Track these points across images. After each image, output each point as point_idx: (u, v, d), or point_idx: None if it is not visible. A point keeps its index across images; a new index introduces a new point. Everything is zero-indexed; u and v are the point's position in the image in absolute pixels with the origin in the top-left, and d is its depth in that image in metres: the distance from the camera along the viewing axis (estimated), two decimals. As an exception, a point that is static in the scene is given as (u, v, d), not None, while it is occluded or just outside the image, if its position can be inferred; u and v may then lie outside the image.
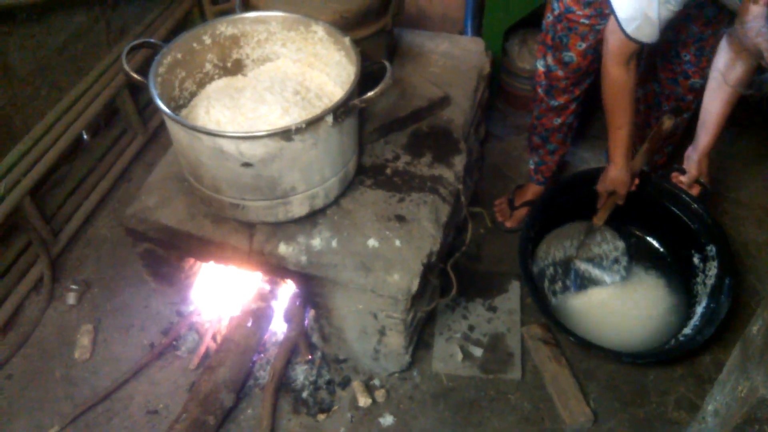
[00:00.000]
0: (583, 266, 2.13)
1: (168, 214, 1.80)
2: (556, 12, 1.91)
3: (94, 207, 2.40)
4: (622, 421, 1.85)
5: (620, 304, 2.08)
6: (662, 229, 2.19)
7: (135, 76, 1.61)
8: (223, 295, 2.06)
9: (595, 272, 2.13)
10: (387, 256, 1.68)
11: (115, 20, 2.46)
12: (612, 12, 1.61)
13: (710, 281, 1.98)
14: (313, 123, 1.49)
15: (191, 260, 2.02)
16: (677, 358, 1.96)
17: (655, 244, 2.24)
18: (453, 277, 1.79)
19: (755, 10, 1.30)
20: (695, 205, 2.03)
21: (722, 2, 1.58)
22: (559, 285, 2.12)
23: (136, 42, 1.67)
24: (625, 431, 1.84)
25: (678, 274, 2.13)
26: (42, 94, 2.17)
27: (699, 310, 1.96)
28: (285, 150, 1.50)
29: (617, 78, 1.72)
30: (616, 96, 1.76)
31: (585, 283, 2.12)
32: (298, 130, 1.47)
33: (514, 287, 2.14)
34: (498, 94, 2.88)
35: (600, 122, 2.74)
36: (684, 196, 2.03)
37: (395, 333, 1.77)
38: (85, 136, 2.49)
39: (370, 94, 1.55)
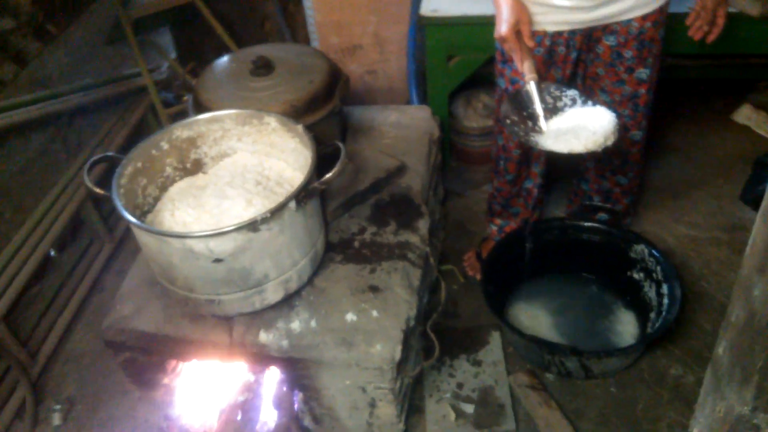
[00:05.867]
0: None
1: (145, 321, 1.80)
2: (502, 87, 2.06)
3: (69, 322, 2.39)
4: (620, 455, 1.88)
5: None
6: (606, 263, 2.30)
7: (98, 191, 1.65)
8: (209, 392, 2.04)
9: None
10: (366, 328, 1.71)
11: (71, 136, 2.51)
12: None
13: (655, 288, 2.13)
14: (277, 211, 1.54)
15: (173, 361, 2.01)
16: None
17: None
18: (434, 338, 1.82)
19: None
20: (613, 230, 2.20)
21: None
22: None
23: (95, 158, 1.72)
24: (625, 465, 1.86)
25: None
26: (6, 218, 2.19)
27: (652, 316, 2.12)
28: (253, 241, 1.55)
29: None
30: None
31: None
32: (264, 219, 1.52)
33: (495, 338, 2.17)
34: (451, 153, 2.99)
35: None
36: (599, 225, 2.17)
37: (386, 403, 1.78)
38: (52, 253, 2.50)
39: (328, 175, 1.62)
